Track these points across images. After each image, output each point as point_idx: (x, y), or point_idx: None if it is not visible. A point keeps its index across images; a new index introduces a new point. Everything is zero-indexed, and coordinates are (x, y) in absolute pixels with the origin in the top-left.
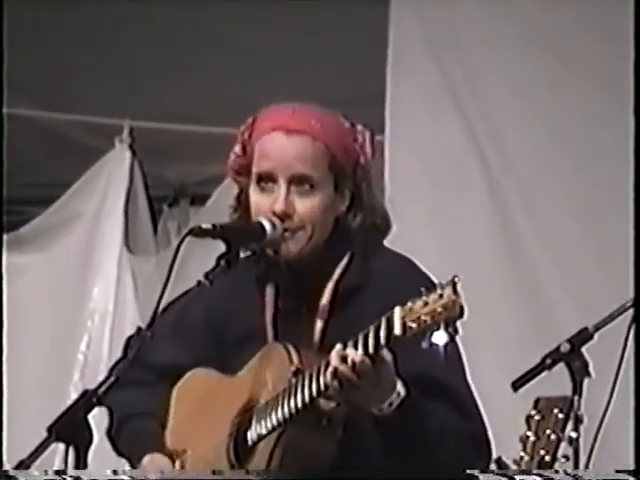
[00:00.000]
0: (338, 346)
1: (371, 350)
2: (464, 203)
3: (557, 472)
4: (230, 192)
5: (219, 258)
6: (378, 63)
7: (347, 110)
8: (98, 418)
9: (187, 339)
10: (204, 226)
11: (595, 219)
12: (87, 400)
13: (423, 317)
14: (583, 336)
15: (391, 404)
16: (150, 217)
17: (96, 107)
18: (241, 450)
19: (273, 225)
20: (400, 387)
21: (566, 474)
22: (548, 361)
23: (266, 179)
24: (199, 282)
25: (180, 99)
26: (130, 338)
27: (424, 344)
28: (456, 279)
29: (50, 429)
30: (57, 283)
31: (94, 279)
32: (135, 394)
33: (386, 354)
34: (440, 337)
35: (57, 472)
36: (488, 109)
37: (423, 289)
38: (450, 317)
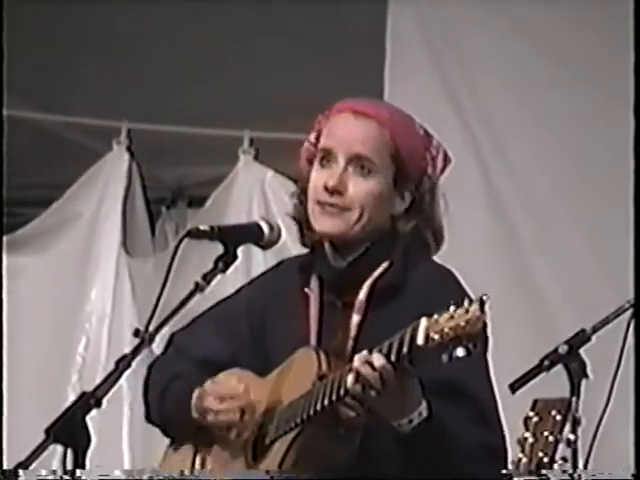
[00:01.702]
0: (364, 352)
1: (393, 357)
2: (463, 204)
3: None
4: (228, 194)
5: (217, 260)
6: (376, 63)
7: None
8: (96, 420)
9: (229, 335)
10: (202, 228)
11: (594, 220)
12: (85, 402)
13: (446, 330)
14: (581, 338)
15: (411, 421)
16: (148, 219)
17: (94, 109)
18: (259, 448)
19: (270, 226)
20: (424, 408)
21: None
22: (546, 363)
23: (327, 155)
24: (197, 284)
25: (178, 101)
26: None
27: (444, 357)
28: (484, 297)
29: (48, 431)
30: (55, 285)
31: (92, 281)
32: (178, 365)
33: (413, 370)
34: (459, 352)
35: (53, 472)
36: (487, 110)
37: (452, 303)
38: (471, 333)
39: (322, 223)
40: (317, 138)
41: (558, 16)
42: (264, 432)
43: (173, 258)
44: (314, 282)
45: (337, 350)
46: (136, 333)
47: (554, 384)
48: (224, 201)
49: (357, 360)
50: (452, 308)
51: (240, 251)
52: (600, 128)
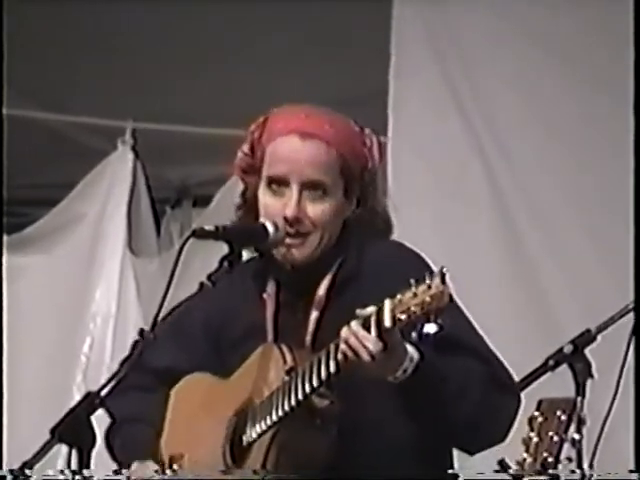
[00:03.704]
0: (354, 324)
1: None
2: (467, 203)
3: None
4: (233, 193)
5: (222, 260)
6: (381, 63)
7: (350, 110)
8: (101, 420)
9: (186, 343)
10: (207, 228)
11: (598, 219)
12: (90, 402)
13: (412, 308)
14: (586, 338)
15: (405, 371)
16: (153, 219)
17: (98, 108)
18: (237, 451)
19: (276, 227)
20: (413, 352)
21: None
22: (551, 363)
23: (278, 182)
24: (202, 284)
25: (182, 100)
26: (136, 342)
27: (414, 335)
28: (444, 270)
29: (53, 431)
30: (60, 285)
31: (97, 281)
32: (133, 399)
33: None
34: (430, 328)
35: (61, 471)
36: (490, 109)
37: (412, 280)
38: (439, 307)
39: (286, 253)
40: (252, 149)
41: (559, 16)
42: (240, 433)
43: (178, 258)
44: (271, 286)
45: (297, 346)
46: (141, 333)
47: (559, 384)
48: (229, 201)
49: (349, 334)
50: (413, 285)
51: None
52: (600, 127)
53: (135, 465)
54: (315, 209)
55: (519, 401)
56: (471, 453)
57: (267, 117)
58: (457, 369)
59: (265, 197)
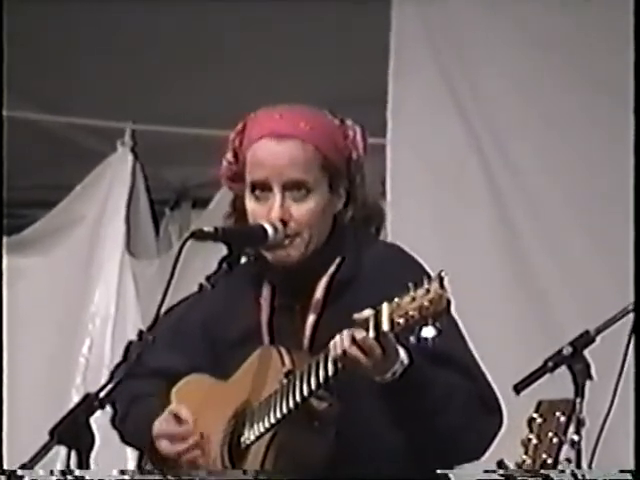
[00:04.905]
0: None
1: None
2: (466, 203)
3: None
4: (232, 196)
5: (221, 261)
6: (380, 64)
7: (350, 110)
8: (100, 421)
9: (184, 345)
10: (206, 229)
11: (598, 220)
12: (89, 403)
13: (411, 312)
14: (585, 339)
15: (394, 373)
16: (152, 220)
17: (98, 110)
18: (235, 452)
19: (275, 228)
20: (404, 356)
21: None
22: (550, 364)
23: (260, 187)
24: (201, 285)
25: (182, 102)
26: (131, 343)
27: (412, 339)
28: (443, 273)
29: (52, 432)
30: (59, 286)
31: (96, 282)
32: (137, 383)
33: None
34: (428, 332)
35: (51, 472)
36: (489, 109)
37: (411, 284)
38: (437, 311)
39: (276, 256)
40: (235, 157)
41: (559, 16)
42: (238, 435)
43: (177, 259)
44: (266, 289)
45: (295, 349)
46: (140, 335)
47: (558, 385)
48: (228, 202)
49: (345, 338)
50: (412, 289)
51: None
52: (601, 127)
53: (157, 422)
54: (300, 209)
55: (501, 422)
56: (445, 466)
57: (245, 123)
58: (444, 380)
59: (250, 203)
